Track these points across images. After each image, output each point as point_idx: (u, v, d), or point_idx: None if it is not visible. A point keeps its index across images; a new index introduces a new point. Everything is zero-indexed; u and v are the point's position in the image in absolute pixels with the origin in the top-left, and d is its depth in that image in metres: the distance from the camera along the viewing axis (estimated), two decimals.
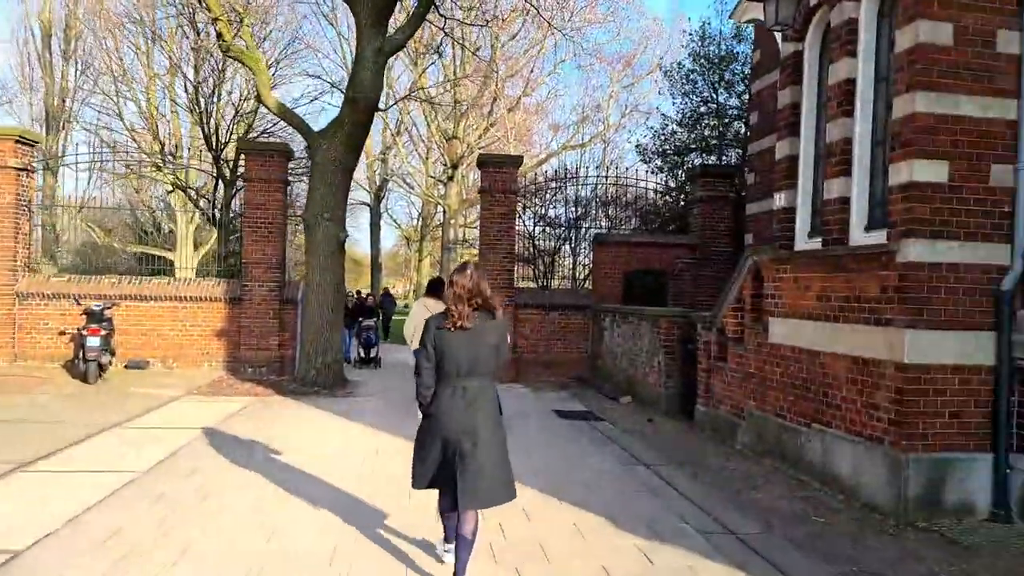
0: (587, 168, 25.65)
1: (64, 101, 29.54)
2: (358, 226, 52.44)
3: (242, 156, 14.11)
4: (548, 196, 16.42)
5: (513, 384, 13.62)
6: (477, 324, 4.12)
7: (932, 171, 5.70)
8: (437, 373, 4.20)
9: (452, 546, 4.48)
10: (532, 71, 35.20)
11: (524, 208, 16.07)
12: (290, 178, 15.27)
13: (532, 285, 15.89)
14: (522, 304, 14.39)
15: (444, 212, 35.23)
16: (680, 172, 18.95)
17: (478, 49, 30.58)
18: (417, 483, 4.36)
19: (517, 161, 14.50)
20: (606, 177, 15.56)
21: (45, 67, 30.04)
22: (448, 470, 4.14)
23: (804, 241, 7.46)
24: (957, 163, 5.72)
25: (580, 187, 16.08)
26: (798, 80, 7.56)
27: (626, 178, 15.50)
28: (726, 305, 8.69)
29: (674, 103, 22.62)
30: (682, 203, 16.97)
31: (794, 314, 7.20)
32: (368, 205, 44.07)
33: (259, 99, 12.65)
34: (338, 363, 12.64)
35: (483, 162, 14.42)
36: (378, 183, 42.49)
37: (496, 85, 33.57)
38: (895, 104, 5.94)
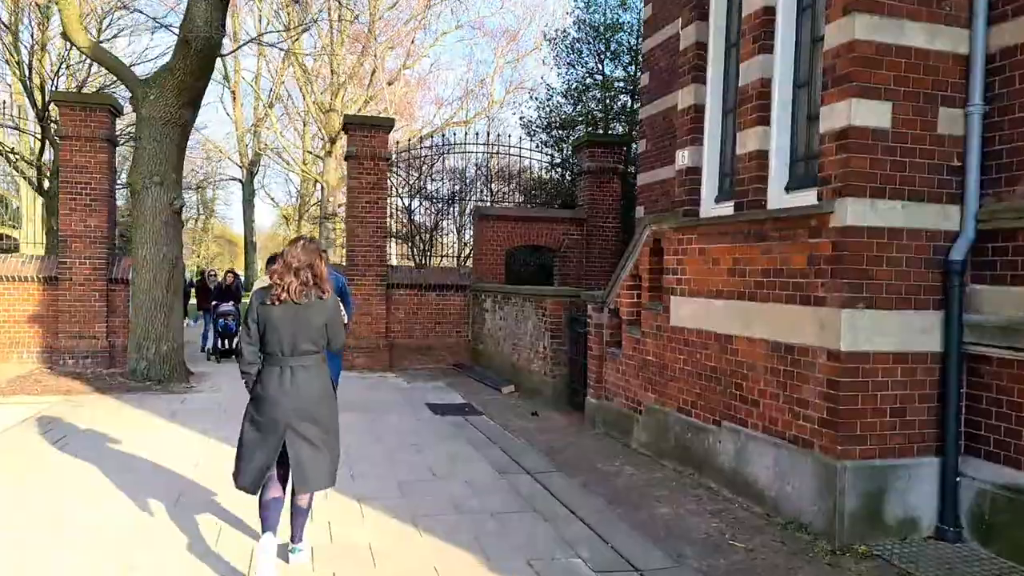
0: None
1: None
2: (231, 204, 48.83)
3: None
4: (425, 167, 14.79)
5: (386, 373, 12.00)
6: (304, 301, 3.83)
7: (873, 113, 4.55)
8: (262, 351, 3.89)
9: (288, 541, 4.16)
10: (413, 42, 33.29)
11: (402, 182, 14.40)
12: (120, 139, 12.87)
13: (409, 264, 14.24)
14: (395, 284, 12.75)
15: (322, 189, 32.83)
16: (566, 146, 17.76)
17: (356, 17, 28.28)
18: (242, 480, 3.91)
19: (388, 124, 12.76)
20: (487, 145, 14.04)
21: None
22: (276, 453, 3.84)
23: (712, 206, 6.25)
24: (901, 105, 4.60)
25: (460, 157, 14.53)
26: (704, 15, 6.32)
27: (508, 147, 14.08)
28: (620, 282, 7.44)
29: (559, 74, 21.51)
30: (568, 178, 15.77)
31: (701, 292, 5.99)
32: (240, 181, 40.80)
33: (65, 36, 10.27)
34: (177, 352, 10.58)
35: (350, 125, 12.59)
36: (250, 156, 39.25)
37: (375, 56, 31.44)
38: (828, 32, 4.75)
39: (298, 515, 4.05)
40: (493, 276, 13.10)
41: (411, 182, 14.46)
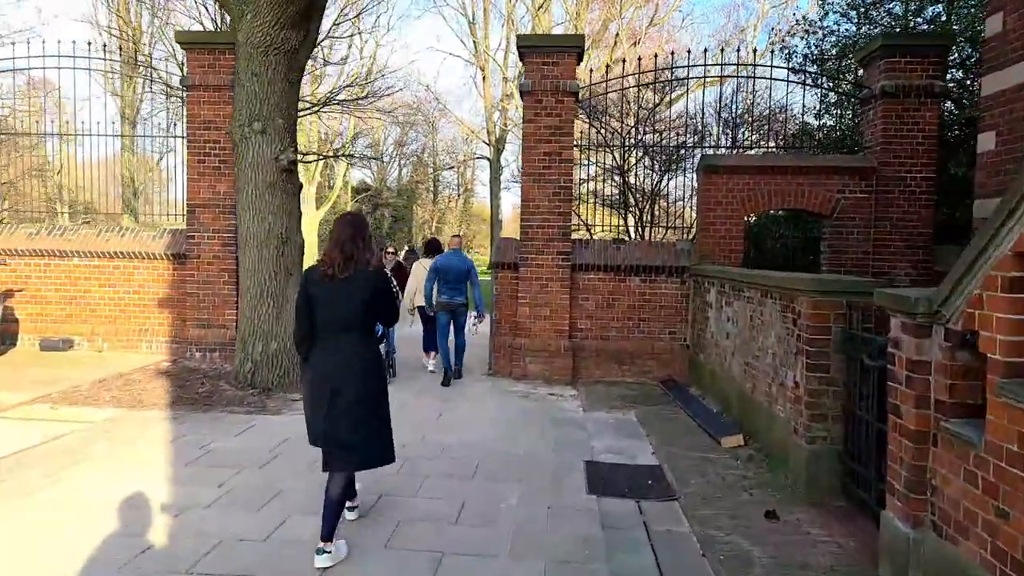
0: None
1: None
2: (478, 178, 48.34)
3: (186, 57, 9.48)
4: (635, 105, 10.65)
5: (562, 390, 8.29)
6: (349, 276, 3.65)
7: None
8: (314, 328, 3.74)
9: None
10: None
11: (600, 125, 10.47)
12: None
13: (607, 237, 10.25)
14: (583, 265, 8.92)
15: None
16: (843, 81, 12.32)
17: None
18: (312, 438, 3.79)
19: (574, 45, 8.83)
20: (725, 67, 9.50)
21: None
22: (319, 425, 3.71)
23: None
24: None
25: (687, 90, 10.17)
26: None
27: (754, 66, 9.38)
28: (981, 274, 2.93)
29: None
30: (847, 117, 10.53)
31: None
32: (488, 159, 39.72)
33: None
34: (291, 353, 7.88)
35: (524, 48, 8.92)
36: (497, 134, 37.82)
37: (620, 14, 27.75)
38: None
39: (327, 509, 3.65)
40: (726, 256, 8.69)
41: (618, 128, 10.44)
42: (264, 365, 7.74)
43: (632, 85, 9.76)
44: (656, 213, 11.01)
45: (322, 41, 17.91)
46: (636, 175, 11.14)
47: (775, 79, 9.31)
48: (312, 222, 38.16)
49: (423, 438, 6.05)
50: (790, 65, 12.11)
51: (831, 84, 10.46)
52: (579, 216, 10.26)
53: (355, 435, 3.64)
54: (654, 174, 11.09)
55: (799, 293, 5.07)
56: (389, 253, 9.65)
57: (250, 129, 7.49)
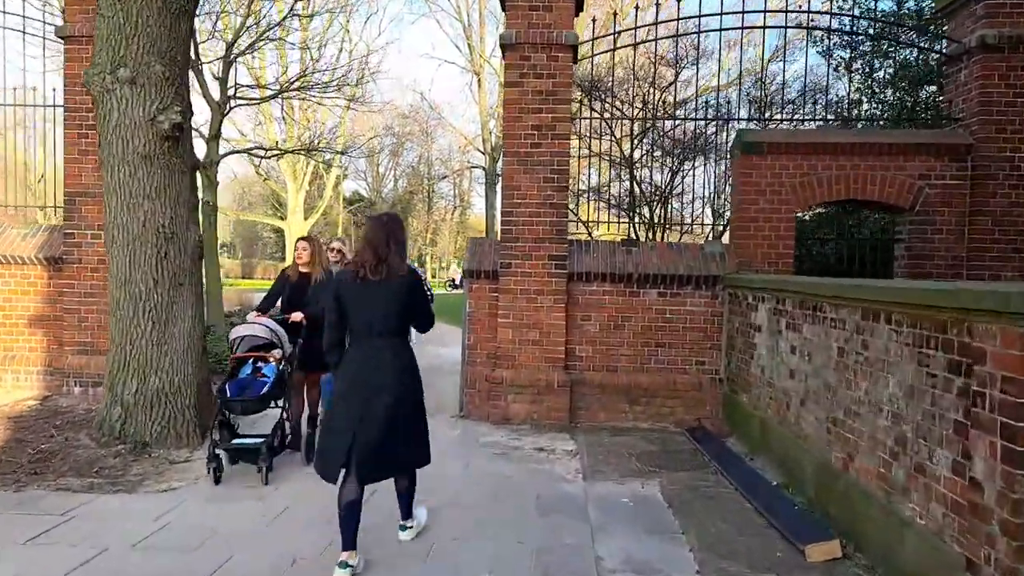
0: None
1: None
2: (475, 189, 46.32)
3: None
4: (648, 67, 8.37)
5: (554, 438, 5.96)
6: (381, 278, 3.40)
7: None
8: (347, 331, 3.51)
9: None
10: None
11: (603, 97, 8.21)
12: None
13: (613, 239, 7.91)
14: (582, 275, 6.60)
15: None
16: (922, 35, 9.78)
17: None
18: (327, 468, 3.37)
19: None
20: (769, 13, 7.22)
21: None
22: (356, 435, 3.33)
23: None
24: None
25: (720, 45, 7.89)
26: None
27: (810, 13, 7.11)
28: None
29: None
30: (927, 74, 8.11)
31: None
32: (483, 168, 37.62)
33: None
34: (182, 392, 5.53)
35: None
36: (493, 142, 35.71)
37: None
38: None
39: (401, 498, 3.77)
40: (771, 262, 6.39)
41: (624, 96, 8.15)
42: (139, 410, 5.40)
43: (649, 39, 7.45)
44: (673, 207, 8.68)
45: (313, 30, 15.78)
46: (651, 160, 8.78)
47: (833, 30, 7.00)
48: (300, 234, 35.99)
49: (327, 549, 3.69)
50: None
51: (907, 35, 8.01)
52: (575, 214, 7.95)
53: (396, 438, 3.42)
54: (672, 160, 8.76)
55: (980, 317, 2.74)
56: (333, 250, 7.01)
57: (114, 78, 5.18)
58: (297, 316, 5.21)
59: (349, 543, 3.34)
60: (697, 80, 7.78)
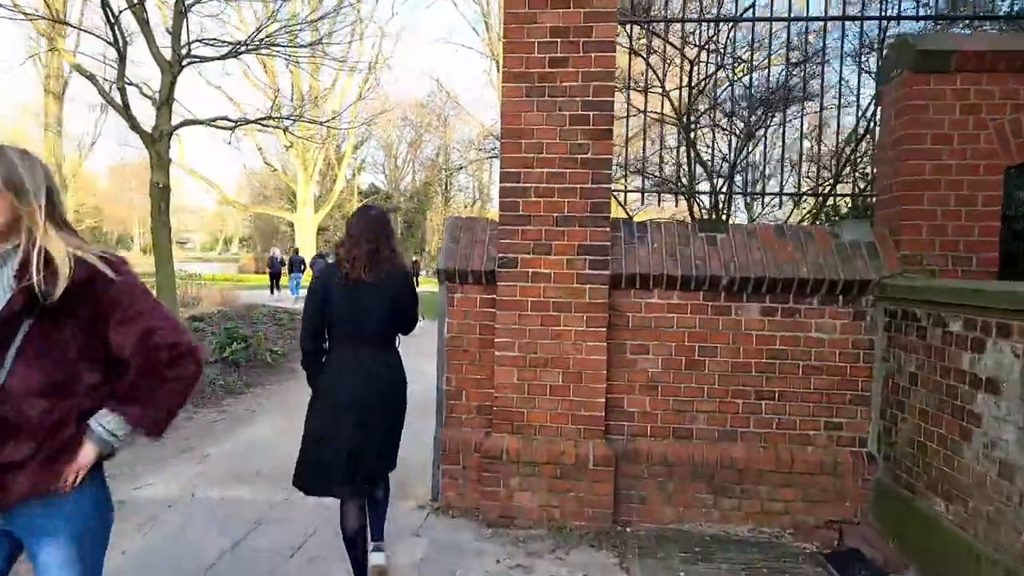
0: None
1: None
2: (495, 182, 44.39)
3: None
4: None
5: (590, 556, 3.26)
6: (375, 279, 2.99)
7: None
8: (330, 335, 3.06)
9: None
10: None
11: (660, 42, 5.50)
12: None
13: (682, 219, 5.13)
14: (632, 278, 3.90)
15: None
16: None
17: None
18: (310, 486, 3.00)
19: None
20: None
21: None
22: (344, 453, 2.93)
23: None
24: None
25: None
26: None
27: None
28: None
29: None
30: None
31: None
32: (497, 157, 35.40)
33: None
34: None
35: None
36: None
37: None
38: None
39: (374, 510, 3.29)
40: (955, 255, 3.64)
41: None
42: None
43: None
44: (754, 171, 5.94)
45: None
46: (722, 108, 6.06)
47: None
48: (311, 226, 33.66)
49: None
50: None
51: None
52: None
53: (384, 450, 3.09)
54: (752, 108, 6.04)
55: None
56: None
57: None
58: None
59: (364, 570, 3.00)
60: None
